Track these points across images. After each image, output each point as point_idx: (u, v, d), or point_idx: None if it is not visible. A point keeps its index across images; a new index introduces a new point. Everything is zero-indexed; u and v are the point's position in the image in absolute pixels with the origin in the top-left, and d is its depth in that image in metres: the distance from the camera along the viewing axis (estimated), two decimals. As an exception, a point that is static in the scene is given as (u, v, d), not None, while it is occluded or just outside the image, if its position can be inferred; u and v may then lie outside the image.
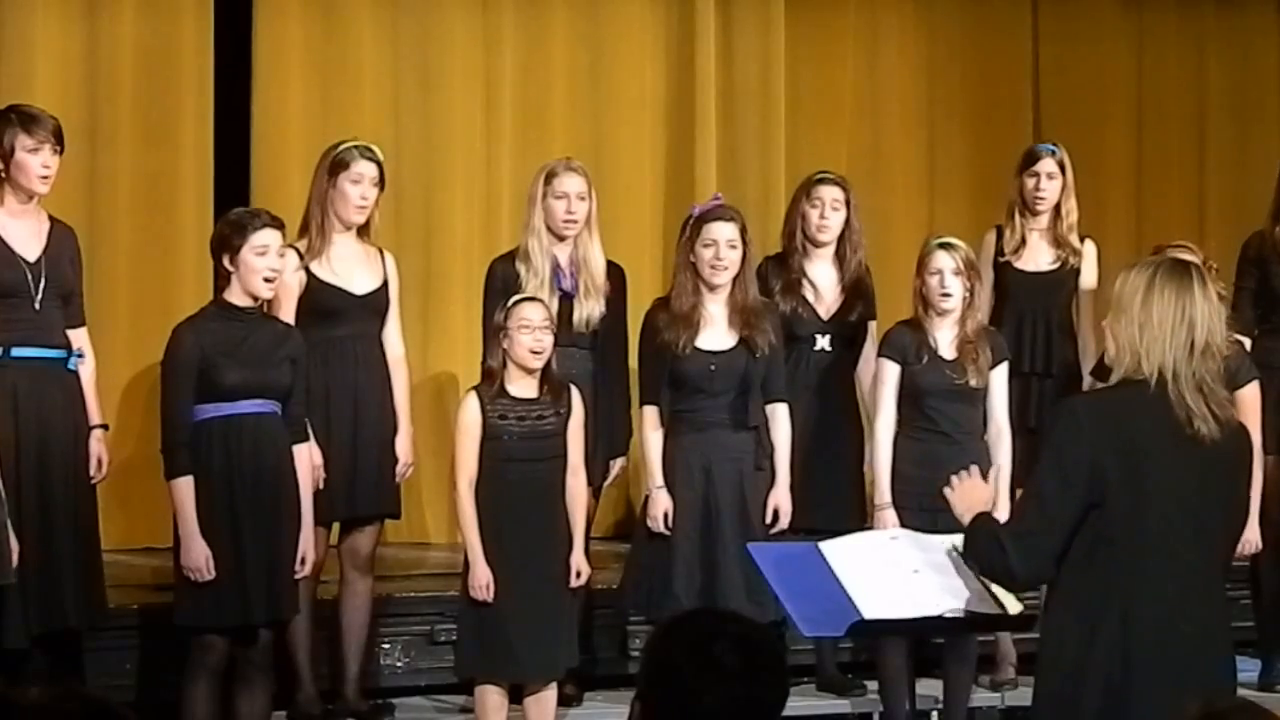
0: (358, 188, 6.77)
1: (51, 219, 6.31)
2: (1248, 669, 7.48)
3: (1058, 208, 7.49)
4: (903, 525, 6.24)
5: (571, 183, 7.00)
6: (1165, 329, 4.30)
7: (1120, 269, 4.50)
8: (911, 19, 9.44)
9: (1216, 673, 4.38)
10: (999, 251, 7.51)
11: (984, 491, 4.65)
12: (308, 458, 6.27)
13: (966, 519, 4.54)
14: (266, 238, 6.10)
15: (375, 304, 6.84)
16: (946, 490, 4.68)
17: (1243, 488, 4.51)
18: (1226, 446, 4.36)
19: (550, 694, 6.50)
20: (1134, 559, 4.27)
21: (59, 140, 6.22)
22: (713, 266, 6.65)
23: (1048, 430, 4.53)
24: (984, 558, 4.46)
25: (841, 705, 7.17)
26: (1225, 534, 4.45)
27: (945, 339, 6.74)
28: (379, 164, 6.82)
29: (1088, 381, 7.30)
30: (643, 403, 6.76)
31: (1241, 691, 7.01)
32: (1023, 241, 7.48)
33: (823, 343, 7.15)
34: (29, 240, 6.19)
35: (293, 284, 6.63)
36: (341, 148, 6.82)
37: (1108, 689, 4.26)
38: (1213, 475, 4.37)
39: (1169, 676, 4.25)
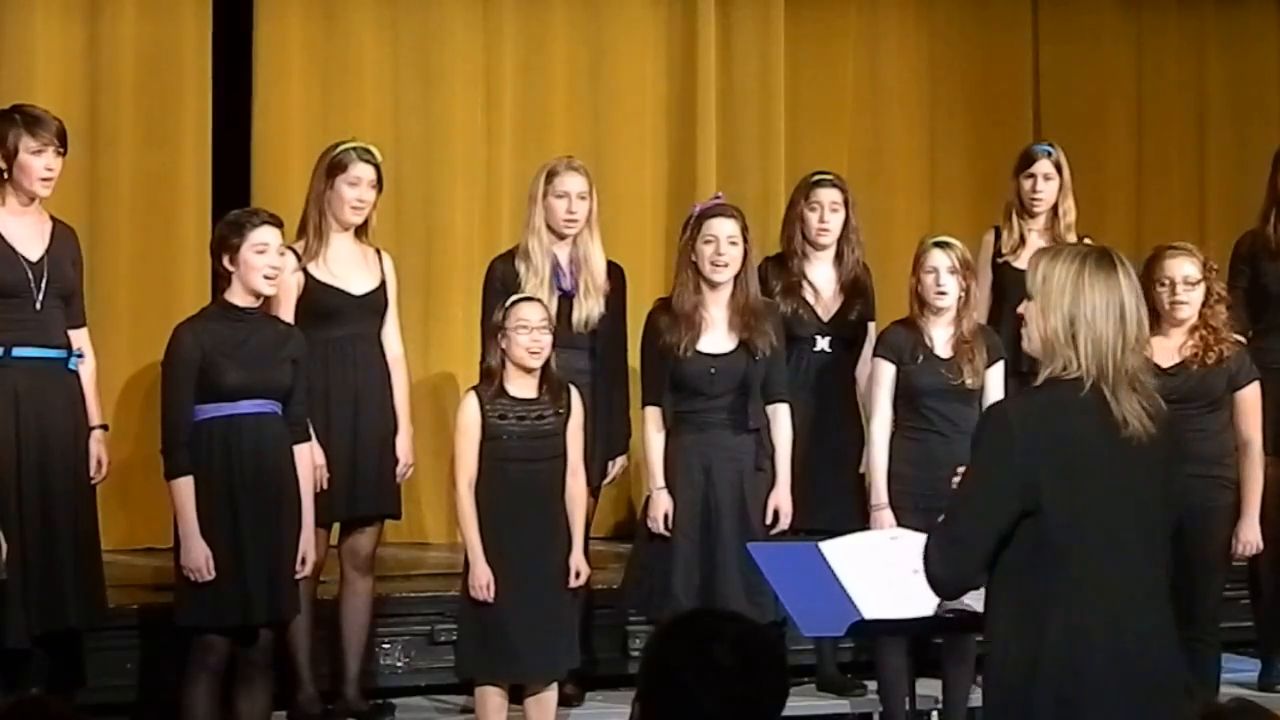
0: (355, 190, 6.77)
1: (53, 219, 6.30)
2: (1248, 669, 7.49)
3: (1055, 208, 7.49)
4: (900, 525, 6.24)
5: (573, 182, 7.00)
6: (1098, 325, 4.13)
7: (1037, 257, 4.29)
8: (912, 19, 9.45)
9: (1165, 678, 4.20)
10: (997, 252, 7.52)
11: None
12: (309, 458, 6.26)
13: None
14: (265, 235, 6.10)
15: (373, 304, 6.84)
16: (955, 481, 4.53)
17: (1175, 480, 4.30)
18: (1159, 441, 4.20)
19: (551, 694, 6.50)
20: (1076, 565, 4.12)
21: (63, 143, 6.21)
22: (713, 263, 6.65)
23: (977, 435, 4.32)
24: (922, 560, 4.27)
25: (841, 705, 7.17)
26: (1166, 532, 4.27)
27: (941, 338, 6.74)
28: (376, 166, 6.82)
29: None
30: (645, 404, 6.76)
31: (1241, 691, 7.05)
32: (1021, 241, 7.48)
33: (822, 344, 7.15)
34: (31, 240, 6.19)
35: (292, 285, 6.63)
36: (339, 149, 6.82)
37: (1059, 700, 4.10)
38: (1149, 473, 4.20)
39: (1119, 683, 4.11)
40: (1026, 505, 4.11)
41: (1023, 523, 4.13)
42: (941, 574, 4.21)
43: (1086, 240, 7.54)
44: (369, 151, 6.83)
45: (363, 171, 6.77)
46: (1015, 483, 4.11)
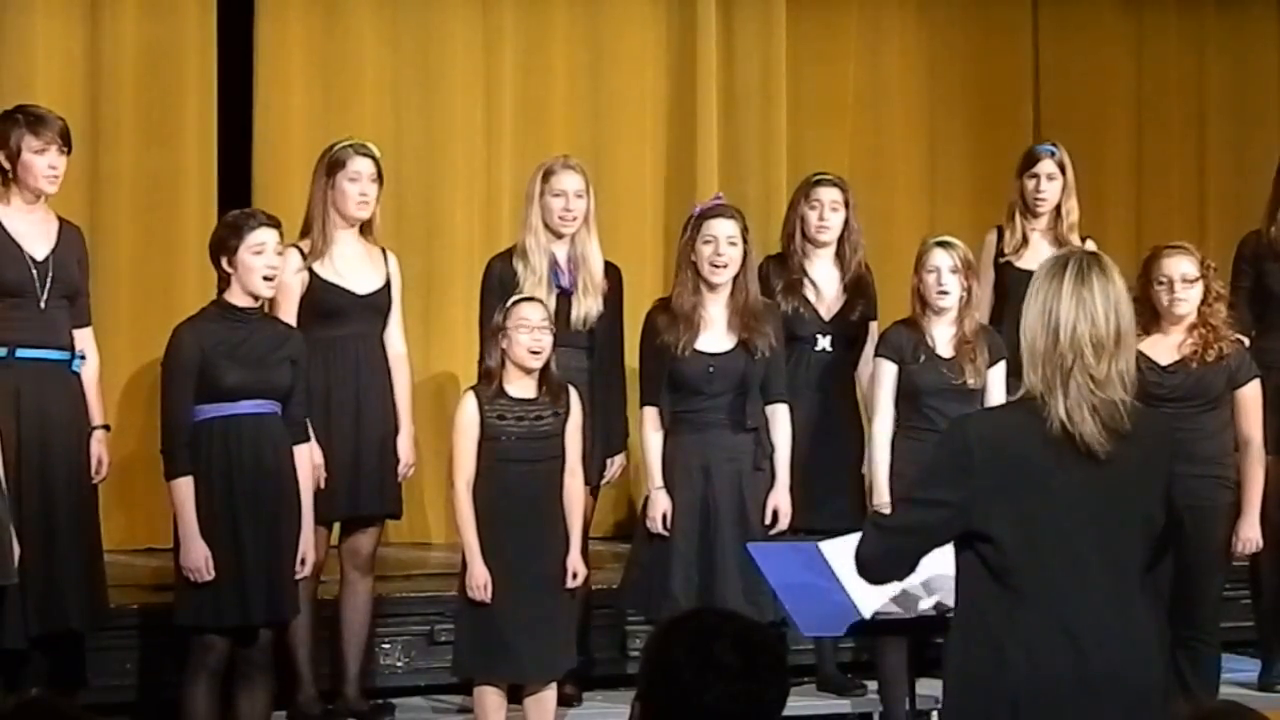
0: (356, 185, 6.78)
1: (60, 219, 6.31)
2: (1248, 669, 7.49)
3: (1058, 208, 7.49)
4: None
5: (569, 180, 7.00)
6: (1033, 340, 4.02)
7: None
8: (913, 19, 9.46)
9: (1139, 700, 4.05)
10: (999, 251, 7.52)
11: None
12: (308, 458, 6.27)
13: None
14: (263, 236, 6.10)
15: (377, 303, 6.84)
16: None
17: (1161, 490, 4.12)
18: (1132, 453, 4.03)
19: (550, 694, 6.50)
20: (1036, 592, 4.00)
21: (66, 141, 6.22)
22: (712, 264, 6.65)
23: (938, 442, 4.24)
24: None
25: (841, 705, 7.17)
26: (1144, 550, 4.09)
27: (943, 338, 6.75)
28: (375, 160, 6.83)
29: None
30: (643, 403, 6.76)
31: (1241, 691, 7.05)
32: (1024, 241, 7.48)
33: (823, 343, 7.15)
34: (37, 239, 6.19)
35: (293, 285, 6.63)
36: (337, 147, 6.83)
37: None
38: (1119, 489, 4.03)
39: (1084, 712, 3.99)
40: (971, 525, 4.03)
41: (977, 546, 4.04)
42: (871, 565, 4.18)
43: (1089, 240, 7.56)
44: (366, 146, 6.84)
45: (362, 166, 6.78)
46: (963, 501, 4.02)
